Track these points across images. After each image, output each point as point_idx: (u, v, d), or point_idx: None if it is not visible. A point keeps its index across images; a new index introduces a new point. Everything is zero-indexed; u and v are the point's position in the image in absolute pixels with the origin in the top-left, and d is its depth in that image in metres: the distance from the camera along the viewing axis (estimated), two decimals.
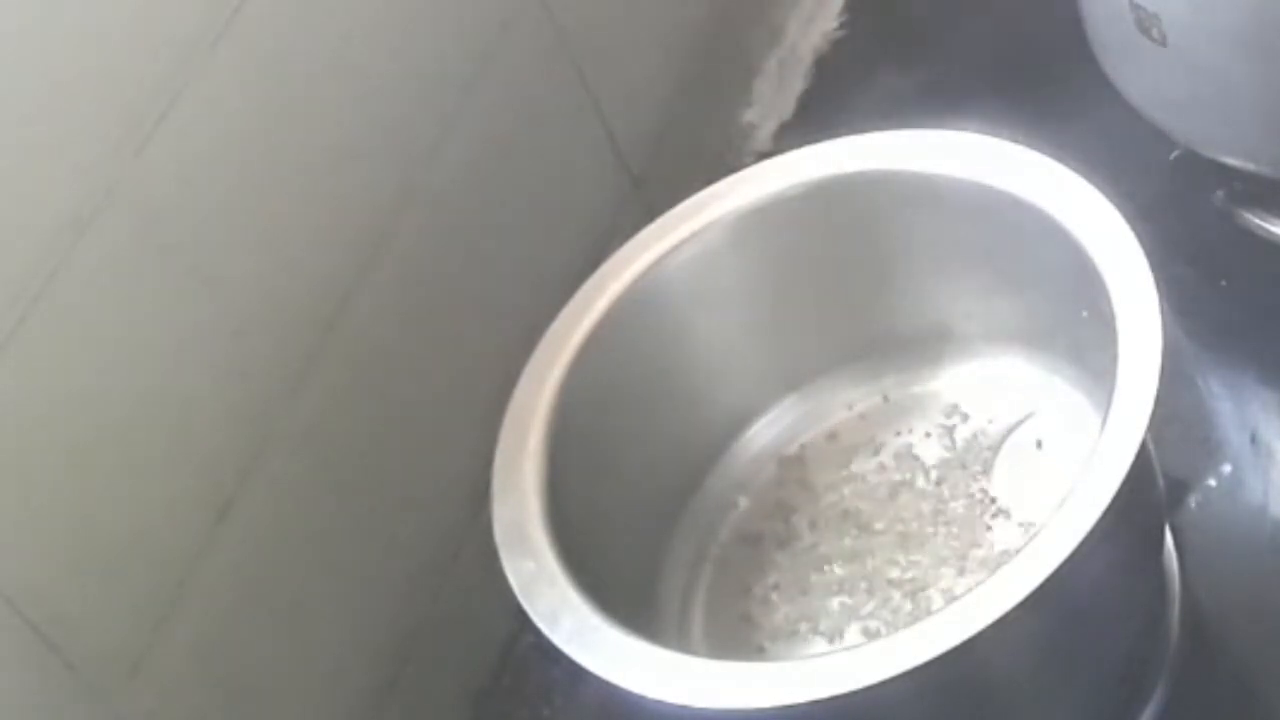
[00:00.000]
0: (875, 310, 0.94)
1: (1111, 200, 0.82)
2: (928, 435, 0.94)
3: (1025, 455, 0.91)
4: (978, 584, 0.73)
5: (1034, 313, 0.89)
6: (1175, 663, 0.88)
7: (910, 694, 0.72)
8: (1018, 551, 0.73)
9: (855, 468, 0.94)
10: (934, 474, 0.92)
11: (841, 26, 1.28)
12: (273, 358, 0.84)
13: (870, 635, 0.87)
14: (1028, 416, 0.92)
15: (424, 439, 0.94)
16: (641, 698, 0.74)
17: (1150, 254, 0.79)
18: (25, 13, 0.70)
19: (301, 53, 0.85)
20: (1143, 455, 0.75)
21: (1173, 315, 0.80)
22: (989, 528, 0.89)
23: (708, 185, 0.91)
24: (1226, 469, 0.96)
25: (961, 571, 0.88)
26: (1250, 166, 0.99)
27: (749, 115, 1.24)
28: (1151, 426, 0.74)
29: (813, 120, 1.21)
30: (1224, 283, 1.04)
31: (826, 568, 0.91)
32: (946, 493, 0.91)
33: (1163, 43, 0.93)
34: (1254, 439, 0.97)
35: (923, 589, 0.88)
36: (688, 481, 0.94)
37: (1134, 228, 0.80)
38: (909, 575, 0.89)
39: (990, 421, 0.93)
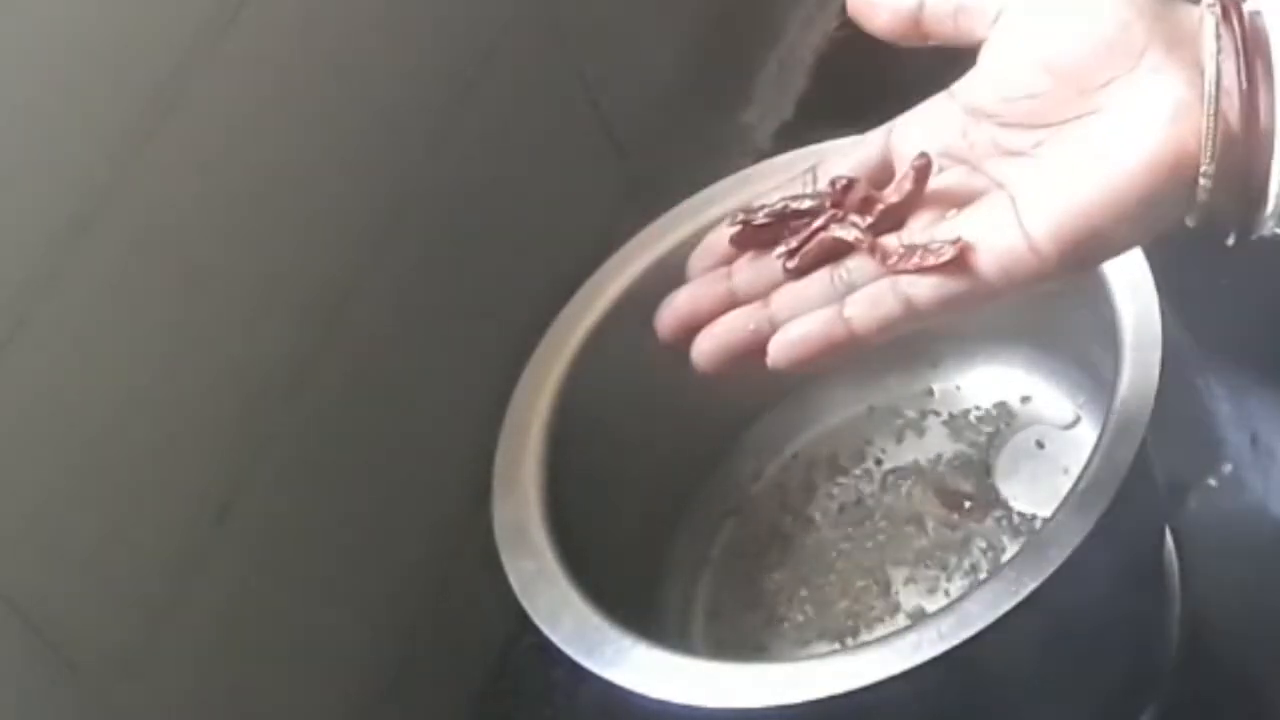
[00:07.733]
0: None
1: None
2: (927, 436, 0.94)
3: (1025, 455, 0.91)
4: (977, 584, 0.73)
5: (1034, 313, 0.89)
6: (1175, 663, 0.88)
7: (910, 694, 0.72)
8: (1017, 551, 0.73)
9: (855, 468, 0.94)
10: (934, 474, 0.92)
11: (841, 26, 1.28)
12: (272, 358, 0.84)
13: (870, 635, 0.87)
14: (1028, 417, 0.92)
15: (423, 439, 0.94)
16: (642, 698, 0.74)
17: (1150, 254, 0.79)
18: (25, 12, 0.70)
19: (302, 52, 0.85)
20: (1143, 455, 0.75)
21: (1173, 315, 0.80)
22: (989, 527, 0.89)
23: (708, 185, 0.91)
24: (1226, 469, 0.96)
25: (961, 572, 0.88)
26: None
27: (749, 115, 1.24)
28: (1151, 426, 0.74)
29: (813, 120, 1.21)
30: (1224, 283, 1.03)
31: (827, 568, 0.91)
32: (947, 493, 0.91)
33: None
34: (1254, 439, 0.97)
35: (923, 589, 0.88)
36: (688, 480, 0.94)
37: None
38: (909, 575, 0.89)
39: (990, 421, 0.93)
